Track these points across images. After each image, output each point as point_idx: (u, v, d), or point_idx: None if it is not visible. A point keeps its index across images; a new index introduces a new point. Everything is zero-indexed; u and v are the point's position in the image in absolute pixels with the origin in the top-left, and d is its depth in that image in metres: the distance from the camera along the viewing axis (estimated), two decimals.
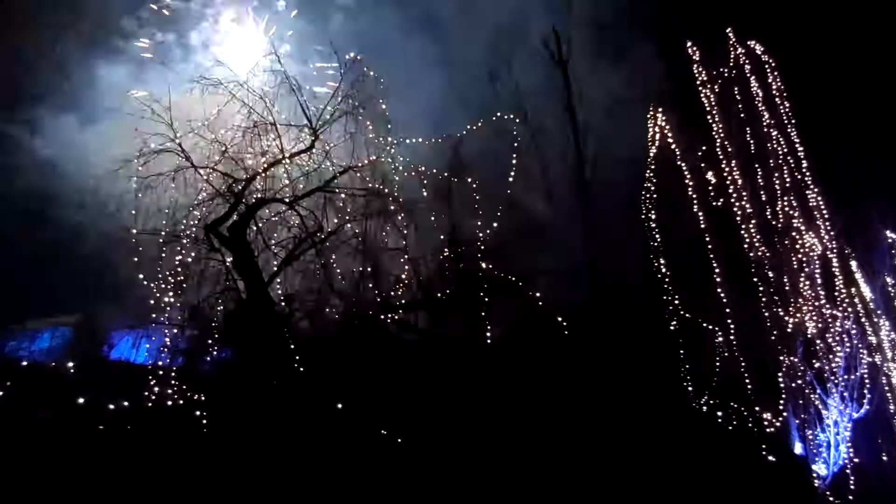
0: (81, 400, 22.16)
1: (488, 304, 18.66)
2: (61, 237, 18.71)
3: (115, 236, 17.97)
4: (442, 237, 19.20)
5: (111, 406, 19.67)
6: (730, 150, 22.94)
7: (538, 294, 19.17)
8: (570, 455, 17.27)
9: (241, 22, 18.88)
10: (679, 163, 23.23)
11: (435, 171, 19.32)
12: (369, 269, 18.47)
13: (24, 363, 25.41)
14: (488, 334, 18.33)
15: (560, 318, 19.02)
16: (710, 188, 22.73)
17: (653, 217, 23.24)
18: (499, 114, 20.33)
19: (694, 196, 22.52)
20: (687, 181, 22.70)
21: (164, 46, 19.87)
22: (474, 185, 19.47)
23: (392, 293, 18.57)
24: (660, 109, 24.56)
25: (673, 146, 23.48)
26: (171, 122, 17.12)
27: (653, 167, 23.84)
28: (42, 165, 19.76)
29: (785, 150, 23.33)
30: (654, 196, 23.46)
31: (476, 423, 17.78)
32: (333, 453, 16.77)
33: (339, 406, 17.63)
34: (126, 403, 19.22)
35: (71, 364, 23.44)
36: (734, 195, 22.14)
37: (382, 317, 18.39)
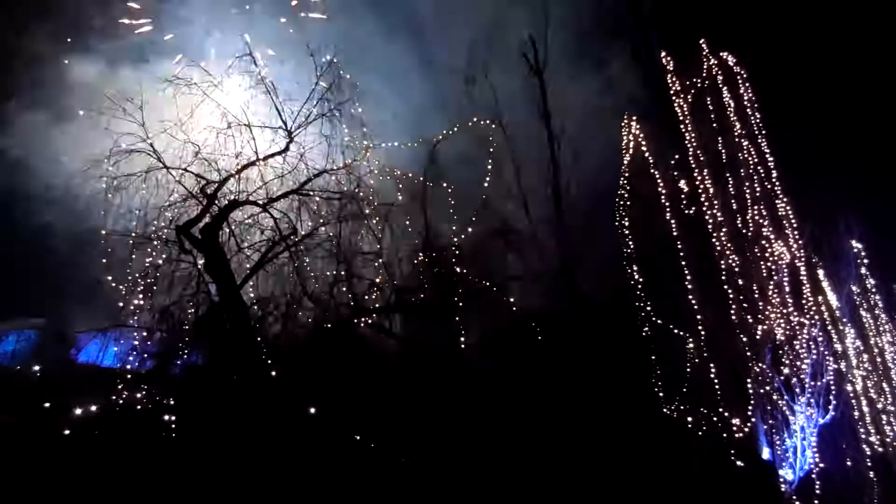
0: (47, 404, 21.76)
1: (463, 309, 18.67)
2: (28, 238, 18.32)
3: (84, 237, 17.66)
4: (417, 241, 19.19)
5: (78, 410, 19.29)
6: (702, 158, 23.30)
7: (512, 299, 19.20)
8: (542, 460, 17.33)
9: (217, 22, 18.67)
10: (652, 171, 23.52)
11: (410, 174, 19.30)
12: (343, 273, 18.38)
13: None
14: (463, 339, 18.33)
15: (534, 324, 19.07)
16: (683, 196, 23.05)
17: (626, 224, 23.47)
18: (475, 119, 20.36)
19: (667, 204, 22.81)
20: (660, 189, 22.99)
21: (136, 45, 19.58)
22: (450, 189, 19.49)
23: (366, 297, 18.49)
24: (633, 118, 24.88)
25: (646, 154, 23.78)
26: (143, 121, 16.89)
27: (626, 175, 24.11)
28: (8, 164, 19.36)
29: (756, 159, 23.77)
30: (628, 203, 23.71)
31: (450, 428, 17.77)
32: (306, 458, 16.63)
33: (312, 411, 17.50)
34: (94, 408, 18.84)
35: (37, 368, 22.95)
36: (706, 203, 22.47)
37: (356, 321, 18.29)
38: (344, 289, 18.24)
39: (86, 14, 17.31)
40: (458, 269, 18.97)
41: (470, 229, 19.78)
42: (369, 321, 18.59)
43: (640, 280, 22.65)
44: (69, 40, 17.13)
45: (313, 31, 18.75)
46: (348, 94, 18.63)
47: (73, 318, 20.80)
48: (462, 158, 20.32)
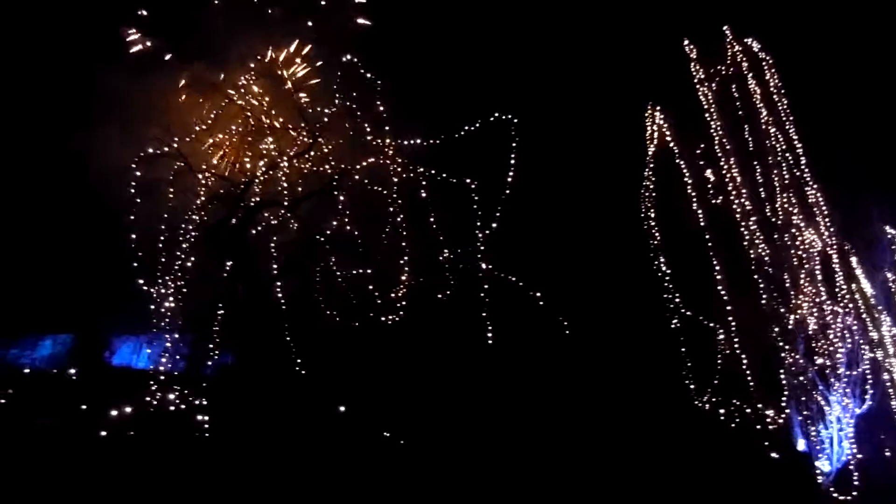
0: (84, 406, 22.26)
1: (489, 304, 18.65)
2: (61, 243, 18.67)
3: (115, 242, 17.93)
4: (442, 238, 19.16)
5: (114, 412, 19.69)
6: (728, 147, 22.99)
7: (539, 294, 19.12)
8: (573, 456, 17.24)
9: (239, 25, 18.80)
10: (678, 161, 23.28)
11: (433, 171, 19.29)
12: (369, 271, 18.44)
13: (27, 371, 25.50)
14: (490, 334, 18.31)
15: (561, 318, 18.98)
16: (710, 186, 22.77)
17: (652, 216, 23.28)
18: (496, 114, 20.26)
19: (693, 194, 22.56)
20: (686, 179, 22.75)
21: (160, 50, 19.81)
22: (473, 186, 19.43)
23: (392, 294, 18.54)
24: (657, 108, 24.63)
25: (671, 145, 23.52)
26: (169, 126, 17.12)
27: (651, 166, 23.89)
28: (41, 171, 19.71)
29: (783, 146, 23.37)
30: (654, 195, 23.51)
31: (479, 424, 17.79)
32: (336, 455, 16.77)
33: (342, 408, 17.63)
34: (128, 409, 19.22)
35: (73, 371, 23.46)
36: (733, 192, 22.18)
37: (383, 318, 18.38)
38: (370, 287, 18.29)
39: (111, 22, 17.55)
40: (483, 265, 18.93)
41: (494, 225, 19.67)
42: (396, 318, 18.63)
43: (668, 272, 22.46)
44: (96, 48, 17.35)
45: (335, 31, 18.72)
46: (370, 93, 18.69)
47: (106, 321, 21.18)
48: (485, 153, 20.19)
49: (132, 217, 16.84)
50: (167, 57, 17.89)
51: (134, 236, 16.91)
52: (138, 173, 16.94)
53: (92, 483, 20.85)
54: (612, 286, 21.53)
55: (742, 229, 21.62)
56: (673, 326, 21.67)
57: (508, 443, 17.45)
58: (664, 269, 22.36)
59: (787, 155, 23.28)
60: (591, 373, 19.27)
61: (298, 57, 18.35)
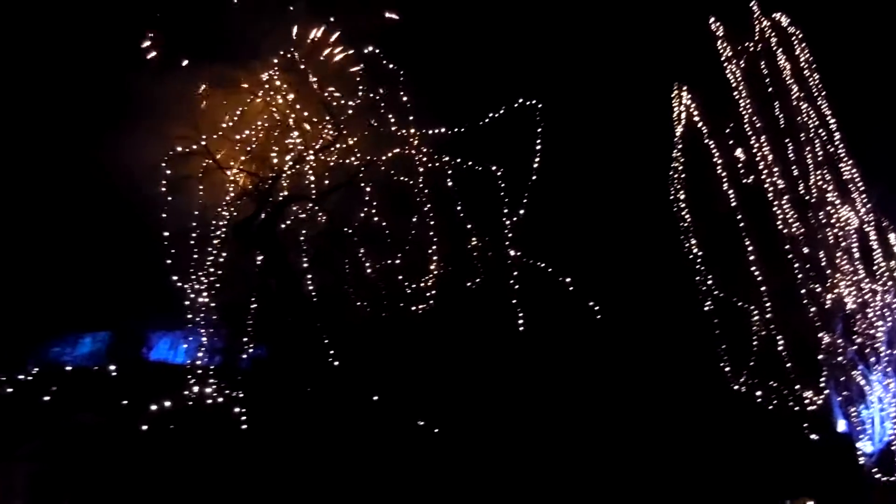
0: (124, 402, 22.82)
1: (519, 291, 18.59)
2: (96, 242, 19.04)
3: (148, 239, 18.25)
4: (469, 226, 19.14)
5: (153, 407, 20.14)
6: (758, 125, 22.55)
7: (568, 279, 18.98)
8: (609, 442, 17.14)
9: (261, 22, 18.93)
10: (706, 141, 22.92)
11: (459, 159, 19.25)
12: (397, 262, 18.50)
13: (68, 368, 26.21)
14: (520, 321, 18.25)
15: (592, 303, 18.83)
16: (740, 165, 22.38)
17: (681, 198, 22.96)
18: (520, 101, 20.12)
19: (723, 174, 22.20)
20: (716, 159, 22.38)
21: (182, 48, 20.05)
22: (499, 173, 19.36)
23: (421, 284, 18.58)
24: (684, 88, 24.25)
25: (700, 125, 23.15)
26: (196, 124, 17.32)
27: (679, 147, 23.54)
28: (72, 172, 20.09)
29: (816, 122, 22.85)
30: (682, 176, 23.17)
31: (512, 411, 17.78)
32: (370, 445, 16.93)
33: (375, 398, 17.75)
34: (167, 404, 19.63)
35: (112, 367, 24.03)
36: (765, 171, 21.76)
37: (413, 308, 18.44)
38: (399, 277, 18.36)
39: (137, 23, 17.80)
40: (511, 252, 18.85)
41: (521, 212, 19.57)
42: (426, 307, 18.67)
43: (699, 254, 22.16)
44: (124, 49, 17.62)
45: (356, 23, 18.74)
46: (393, 83, 18.69)
47: (143, 318, 21.61)
48: (510, 140, 20.07)
49: (164, 215, 17.07)
50: (190, 56, 18.07)
51: (166, 234, 17.15)
52: (168, 171, 17.16)
53: (134, 476, 21.41)
54: (642, 270, 21.29)
55: (775, 208, 21.21)
56: (706, 309, 21.37)
57: (542, 429, 17.41)
58: (695, 251, 22.05)
59: (820, 131, 22.75)
60: (623, 359, 19.09)
61: (323, 49, 18.38)
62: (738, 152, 22.55)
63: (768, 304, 20.58)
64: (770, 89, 23.34)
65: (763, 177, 21.77)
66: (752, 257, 20.87)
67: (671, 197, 23.01)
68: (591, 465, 16.75)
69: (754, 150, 22.24)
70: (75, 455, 22.53)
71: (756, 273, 20.77)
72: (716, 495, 16.94)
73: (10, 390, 26.30)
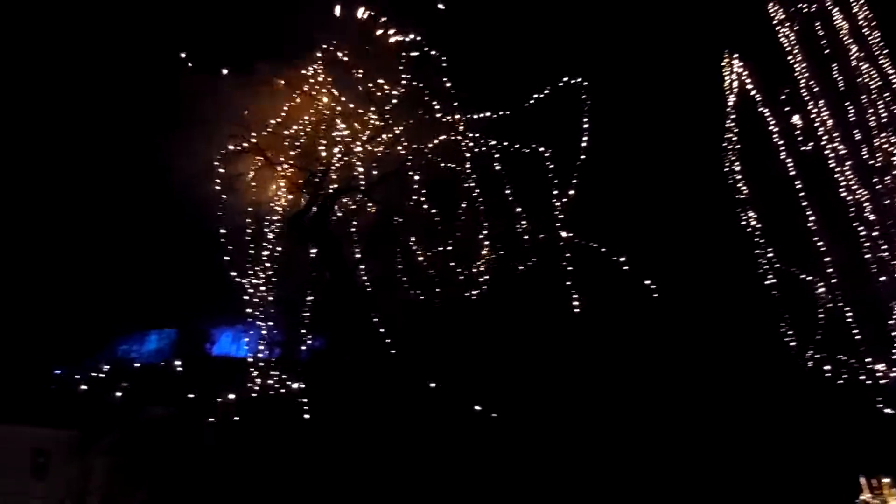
0: (191, 395, 23.68)
1: (572, 273, 18.38)
2: (158, 242, 19.67)
3: (206, 237, 18.75)
4: (518, 209, 18.99)
5: (218, 399, 20.83)
6: (816, 90, 21.60)
7: (623, 259, 18.65)
8: (674, 425, 16.83)
9: (303, 18, 19.13)
10: (761, 110, 22.10)
11: (506, 143, 19.09)
12: (449, 248, 18.53)
13: (137, 364, 27.30)
14: (576, 303, 18.05)
15: (648, 282, 18.45)
16: (798, 132, 21.52)
17: (736, 169, 22.22)
18: (564, 80, 19.79)
19: (780, 142, 21.39)
20: (771, 128, 21.57)
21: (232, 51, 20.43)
22: (547, 154, 19.12)
23: (473, 269, 18.58)
24: (735, 56, 23.39)
25: (753, 93, 22.33)
26: (247, 123, 17.67)
27: (732, 117, 22.75)
28: (127, 174, 20.73)
29: (878, 83, 21.71)
30: (737, 147, 22.41)
31: (571, 393, 17.65)
32: (429, 431, 17.08)
33: (432, 385, 17.88)
34: (231, 396, 20.26)
35: (178, 362, 24.91)
36: (825, 137, 20.86)
37: (466, 294, 18.46)
38: (451, 263, 18.39)
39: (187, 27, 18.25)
40: (563, 234, 18.63)
41: (571, 192, 19.31)
42: (479, 293, 18.66)
43: (758, 226, 21.45)
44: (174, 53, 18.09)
45: (394, 12, 18.73)
46: (437, 71, 18.65)
47: (205, 314, 22.29)
48: (555, 121, 19.78)
49: (220, 213, 17.51)
50: (237, 56, 18.41)
51: (223, 231, 17.59)
52: (222, 171, 17.58)
53: (203, 466, 22.18)
54: (698, 246, 20.73)
55: (837, 175, 20.31)
56: (767, 283, 20.68)
57: (604, 411, 17.23)
58: (753, 223, 21.33)
59: (883, 92, 21.61)
60: (684, 338, 18.67)
61: (366, 40, 18.45)
62: (795, 119, 21.64)
63: (833, 275, 19.78)
64: (826, 51, 22.25)
65: (823, 143, 20.84)
66: (814, 227, 20.07)
67: (726, 169, 22.27)
68: (657, 446, 16.48)
69: (812, 116, 21.32)
70: (148, 447, 23.56)
71: (819, 243, 19.98)
72: (787, 473, 16.47)
73: (84, 387, 27.62)
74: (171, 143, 17.17)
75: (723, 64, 23.30)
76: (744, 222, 21.48)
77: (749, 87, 22.56)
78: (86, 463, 24.88)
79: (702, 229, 20.87)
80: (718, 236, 21.14)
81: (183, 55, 18.03)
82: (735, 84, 22.85)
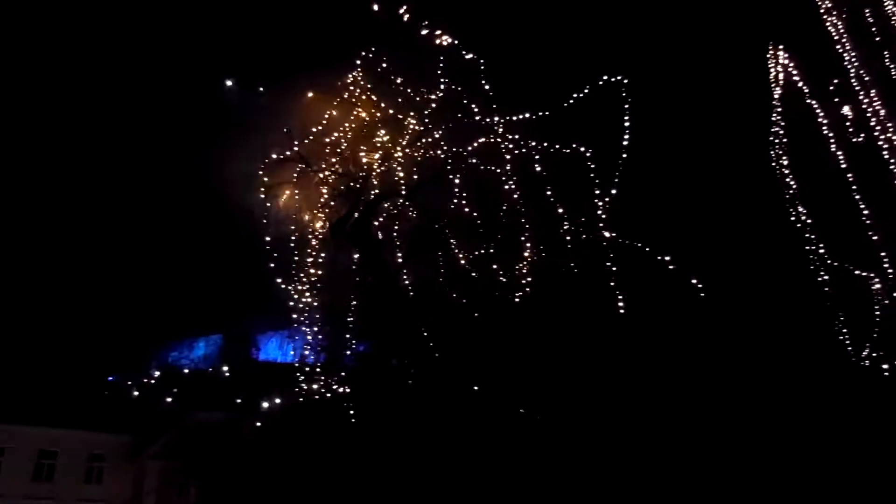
0: (238, 400, 24.18)
1: (616, 274, 18.08)
2: (204, 250, 20.13)
3: (251, 246, 19.06)
4: (560, 210, 18.76)
5: (265, 404, 21.15)
6: (867, 79, 20.86)
7: (668, 258, 18.27)
8: (726, 430, 16.44)
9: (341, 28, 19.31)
10: (809, 101, 21.46)
11: (546, 143, 18.88)
12: (491, 251, 18.42)
13: (186, 370, 28.03)
14: (621, 303, 17.75)
15: (695, 281, 18.03)
16: (849, 123, 20.82)
17: (784, 162, 21.62)
18: (605, 77, 19.48)
19: (830, 134, 20.72)
20: (820, 119, 20.91)
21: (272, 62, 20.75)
22: (588, 154, 18.85)
23: (516, 272, 18.42)
24: (780, 47, 22.76)
25: (800, 84, 21.70)
26: (289, 131, 17.88)
27: (779, 110, 22.14)
28: (175, 187, 21.33)
29: None
30: (784, 140, 21.80)
31: (617, 394, 17.39)
32: (474, 434, 17.02)
33: (476, 388, 17.81)
34: (277, 401, 20.56)
35: (225, 368, 25.49)
36: (878, 128, 20.13)
37: (509, 296, 18.32)
38: (494, 266, 18.28)
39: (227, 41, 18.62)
40: (607, 234, 18.33)
41: (614, 192, 18.99)
42: (523, 295, 18.49)
43: (809, 221, 20.84)
44: (215, 66, 18.46)
45: (430, 15, 18.73)
46: (474, 72, 18.56)
47: (251, 320, 22.76)
48: (596, 120, 19.50)
49: (264, 221, 17.75)
50: (278, 67, 18.64)
51: (268, 239, 17.83)
52: (265, 179, 17.82)
53: (252, 469, 22.55)
54: (747, 243, 20.26)
55: (892, 166, 19.59)
56: (820, 279, 20.06)
57: (652, 414, 16.93)
58: (804, 218, 20.73)
59: None
60: (733, 338, 18.23)
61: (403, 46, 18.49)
62: (846, 110, 20.95)
63: (889, 270, 19.07)
64: (877, 38, 21.45)
65: (875, 133, 20.13)
66: (867, 221, 19.39)
67: (773, 163, 21.68)
68: (710, 449, 16.12)
69: (864, 106, 20.59)
70: (197, 451, 24.12)
71: (874, 237, 19.30)
72: (844, 474, 15.94)
73: (136, 393, 28.43)
74: (217, 155, 17.49)
75: (767, 56, 22.72)
76: (794, 218, 20.91)
77: (796, 78, 21.94)
78: (139, 466, 25.66)
79: (750, 226, 20.40)
80: (767, 233, 20.62)
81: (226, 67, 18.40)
82: (781, 76, 22.25)
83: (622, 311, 17.78)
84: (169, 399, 26.45)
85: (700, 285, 18.34)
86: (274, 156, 18.19)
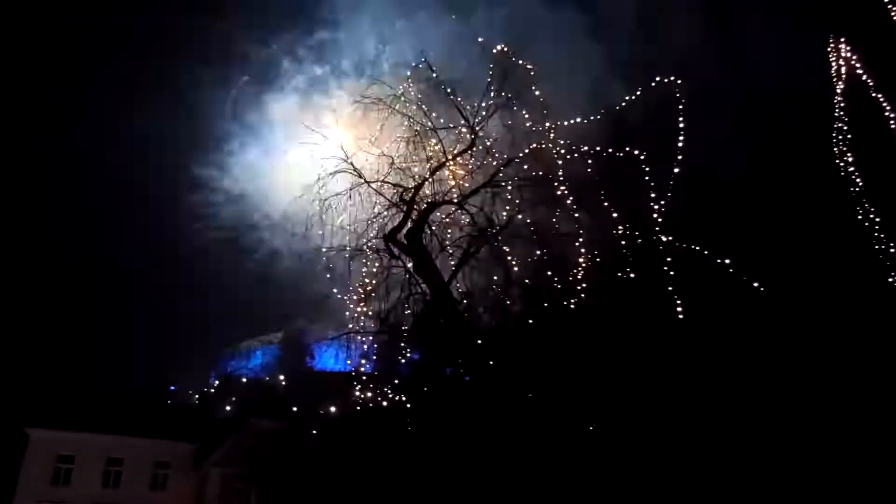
0: (294, 409, 24.67)
1: (675, 278, 17.66)
2: (261, 263, 20.58)
3: (307, 256, 19.39)
4: (615, 214, 18.47)
5: (321, 412, 21.51)
6: None
7: (728, 261, 17.76)
8: (794, 435, 15.84)
9: (387, 36, 19.55)
10: (874, 95, 20.58)
11: (598, 148, 18.64)
12: (545, 257, 18.25)
13: (244, 380, 28.73)
14: (679, 309, 17.32)
15: (757, 285, 17.46)
16: None
17: (849, 160, 20.77)
18: (657, 79, 19.13)
19: None
20: (888, 114, 20.02)
21: (320, 77, 21.15)
22: (642, 157, 18.51)
23: (571, 278, 18.20)
24: (842, 40, 21.92)
25: (864, 78, 20.84)
26: (341, 143, 18.13)
27: (842, 105, 21.30)
28: (235, 201, 21.92)
29: None
30: (849, 136, 20.96)
31: (677, 405, 16.97)
32: (528, 442, 16.85)
33: (529, 395, 17.63)
34: (333, 409, 20.85)
35: (282, 377, 26.01)
36: None
37: (565, 303, 18.10)
38: (549, 273, 18.10)
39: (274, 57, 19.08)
40: (663, 238, 17.93)
41: (669, 195, 18.59)
42: (578, 301, 18.25)
43: (876, 220, 19.95)
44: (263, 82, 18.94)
45: (479, 23, 18.80)
46: (523, 79, 18.49)
47: (306, 330, 23.15)
48: (650, 122, 19.17)
49: (320, 232, 18.00)
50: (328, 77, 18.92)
51: (323, 249, 18.08)
52: (319, 191, 18.07)
53: (310, 476, 22.89)
54: (811, 243, 19.49)
55: None
56: (891, 280, 19.16)
57: (712, 424, 16.45)
58: (872, 216, 19.85)
59: None
60: (799, 343, 17.56)
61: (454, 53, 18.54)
62: None
63: None
64: None
65: None
66: None
67: (838, 160, 20.86)
68: (775, 458, 15.57)
69: None
70: (258, 458, 24.66)
71: None
72: None
73: (197, 402, 29.26)
74: (273, 167, 17.86)
75: (829, 49, 21.92)
76: (860, 216, 20.05)
77: (859, 71, 21.08)
78: (202, 473, 26.38)
79: (814, 226, 19.63)
80: (833, 233, 19.81)
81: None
82: (843, 69, 21.42)
83: (681, 317, 17.35)
84: (228, 407, 27.11)
85: (762, 289, 17.77)
86: (327, 168, 18.46)
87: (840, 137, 20.96)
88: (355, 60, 22.29)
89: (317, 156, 18.54)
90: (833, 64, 21.67)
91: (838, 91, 21.39)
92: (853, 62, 21.26)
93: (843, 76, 21.38)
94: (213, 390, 28.34)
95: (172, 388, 30.11)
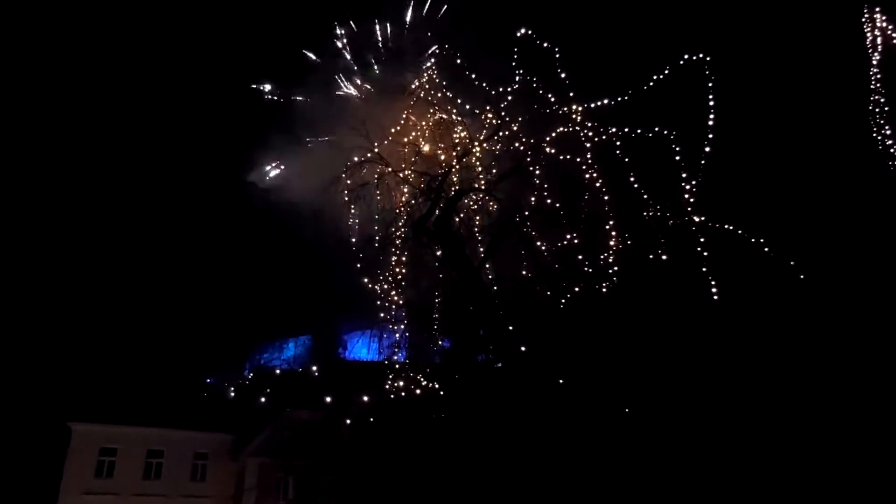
0: (328, 399, 24.91)
1: (708, 259, 17.34)
2: (292, 253, 20.77)
3: (337, 247, 19.51)
4: (645, 196, 18.17)
5: (355, 402, 21.65)
6: None
7: (763, 240, 17.37)
8: (833, 421, 15.49)
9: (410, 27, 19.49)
10: None
11: (626, 129, 18.34)
12: (575, 241, 18.07)
13: (278, 371, 29.09)
14: (714, 290, 17.00)
15: (793, 263, 17.05)
16: None
17: (887, 132, 20.10)
18: (685, 57, 18.72)
19: None
20: None
21: (344, 69, 21.21)
22: (672, 136, 18.16)
23: (602, 262, 18.01)
24: (876, 9, 21.18)
25: None
26: (367, 133, 18.16)
27: (878, 77, 20.60)
28: (265, 194, 22.12)
29: None
30: (885, 109, 20.28)
31: (711, 385, 16.76)
32: (562, 427, 16.81)
33: (561, 381, 17.55)
34: (366, 398, 20.98)
35: (314, 368, 26.25)
36: None
37: (596, 287, 17.94)
38: (579, 256, 17.93)
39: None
40: (696, 218, 17.60)
41: (700, 175, 18.21)
42: (608, 285, 18.06)
43: None
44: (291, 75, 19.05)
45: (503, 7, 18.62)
46: (548, 62, 18.29)
47: (338, 320, 23.32)
48: (678, 102, 18.78)
49: (350, 221, 18.11)
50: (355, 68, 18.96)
51: (353, 239, 18.20)
52: (349, 181, 18.18)
53: (345, 465, 23.14)
54: (848, 220, 18.99)
55: None
56: None
57: (750, 406, 16.20)
58: None
59: None
60: (837, 324, 17.13)
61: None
62: None
63: None
64: None
65: None
66: None
67: (875, 134, 20.21)
68: (814, 446, 15.25)
69: None
70: (294, 448, 25.01)
71: None
72: None
73: (233, 393, 29.72)
74: (302, 159, 17.98)
75: (863, 20, 21.21)
76: None
77: (895, 41, 20.37)
78: (240, 463, 26.80)
79: (851, 203, 19.13)
80: (871, 210, 19.25)
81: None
82: (879, 40, 20.72)
83: (716, 298, 17.06)
84: (263, 399, 27.49)
85: (799, 268, 17.37)
86: (356, 158, 18.53)
87: (877, 110, 20.32)
88: (378, 51, 22.26)
89: (344, 147, 18.69)
90: (868, 35, 20.99)
91: (874, 62, 20.71)
92: (889, 32, 20.54)
93: (879, 47, 20.68)
94: (247, 382, 28.76)
95: (209, 380, 30.62)
